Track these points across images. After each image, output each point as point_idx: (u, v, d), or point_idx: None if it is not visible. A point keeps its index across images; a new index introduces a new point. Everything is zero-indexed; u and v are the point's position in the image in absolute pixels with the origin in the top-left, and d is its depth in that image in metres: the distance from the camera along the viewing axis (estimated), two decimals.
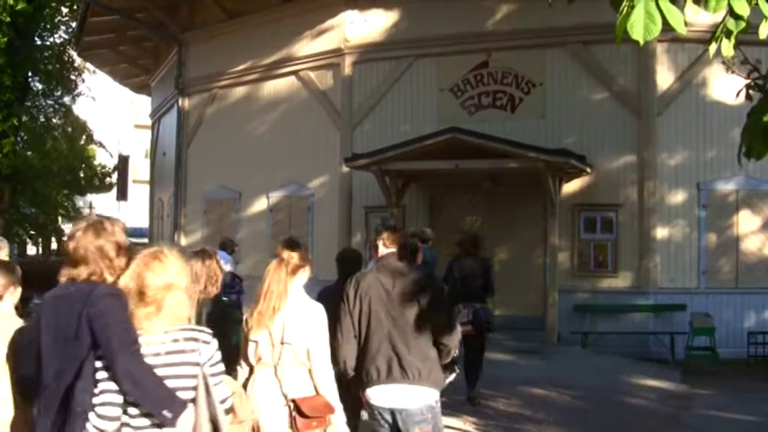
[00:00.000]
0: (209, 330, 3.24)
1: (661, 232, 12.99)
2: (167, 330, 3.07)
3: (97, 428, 2.95)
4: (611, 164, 13.25)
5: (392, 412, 4.35)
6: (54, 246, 33.54)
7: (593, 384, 10.01)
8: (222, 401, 3.12)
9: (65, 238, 3.24)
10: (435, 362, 4.44)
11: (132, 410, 3.01)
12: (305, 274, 4.30)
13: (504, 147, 12.19)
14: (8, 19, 18.91)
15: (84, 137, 28.41)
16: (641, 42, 2.94)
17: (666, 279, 12.97)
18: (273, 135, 16.18)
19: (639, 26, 2.87)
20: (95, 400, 2.98)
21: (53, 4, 22.22)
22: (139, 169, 38.52)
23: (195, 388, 3.05)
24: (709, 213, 13.04)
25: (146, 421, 3.01)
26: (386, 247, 4.66)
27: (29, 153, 22.22)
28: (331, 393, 4.19)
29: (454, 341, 4.51)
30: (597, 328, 12.70)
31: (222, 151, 17.20)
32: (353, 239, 14.60)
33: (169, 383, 3.00)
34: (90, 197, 40.15)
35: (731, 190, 13.03)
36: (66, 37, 23.69)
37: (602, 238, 13.25)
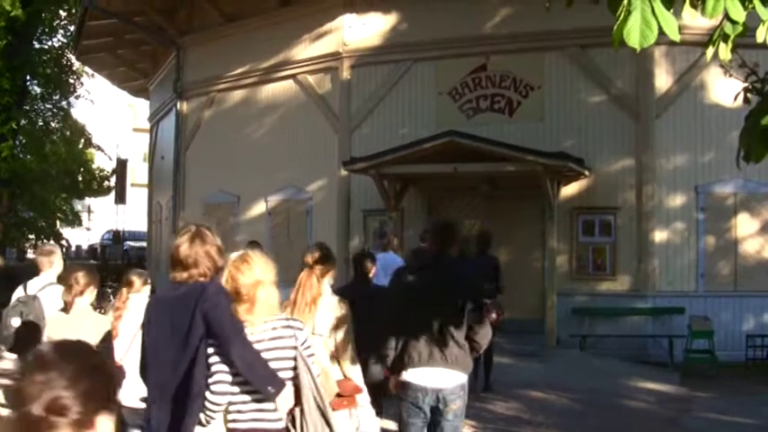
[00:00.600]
0: (300, 318, 4.06)
1: (659, 235, 13.00)
2: (266, 320, 3.69)
3: (212, 403, 3.55)
4: (610, 167, 13.27)
5: (433, 391, 4.83)
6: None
7: (592, 387, 10.00)
8: (317, 376, 3.76)
9: (172, 248, 3.82)
10: (467, 351, 4.90)
11: (235, 389, 3.60)
12: (331, 277, 5.07)
13: (502, 150, 12.20)
14: (3, 23, 18.89)
15: (82, 140, 28.39)
16: (638, 49, 2.94)
17: (665, 282, 12.98)
18: (272, 139, 16.18)
19: (636, 33, 2.86)
20: (210, 380, 3.56)
21: (51, 8, 22.20)
22: (138, 173, 38.52)
23: (294, 368, 3.65)
24: (707, 216, 13.05)
25: (246, 398, 3.62)
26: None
27: (27, 157, 22.19)
28: (357, 377, 4.95)
29: (484, 340, 4.97)
30: (596, 332, 12.70)
31: (220, 155, 17.19)
32: (352, 243, 14.60)
33: (271, 365, 3.60)
34: (88, 201, 40.16)
35: (729, 193, 13.04)
36: (65, 41, 23.69)
37: (601, 241, 13.26)
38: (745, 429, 8.53)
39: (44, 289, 6.06)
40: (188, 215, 18.29)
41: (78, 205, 33.53)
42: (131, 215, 37.85)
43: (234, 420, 3.65)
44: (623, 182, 13.18)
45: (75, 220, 29.19)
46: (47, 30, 22.93)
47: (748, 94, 5.18)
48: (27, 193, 21.90)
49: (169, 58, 19.72)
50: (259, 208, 16.50)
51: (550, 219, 12.69)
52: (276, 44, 16.18)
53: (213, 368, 3.59)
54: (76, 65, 24.29)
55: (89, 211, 43.17)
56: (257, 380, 3.57)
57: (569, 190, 13.26)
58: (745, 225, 13.02)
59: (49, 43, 23.65)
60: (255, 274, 3.73)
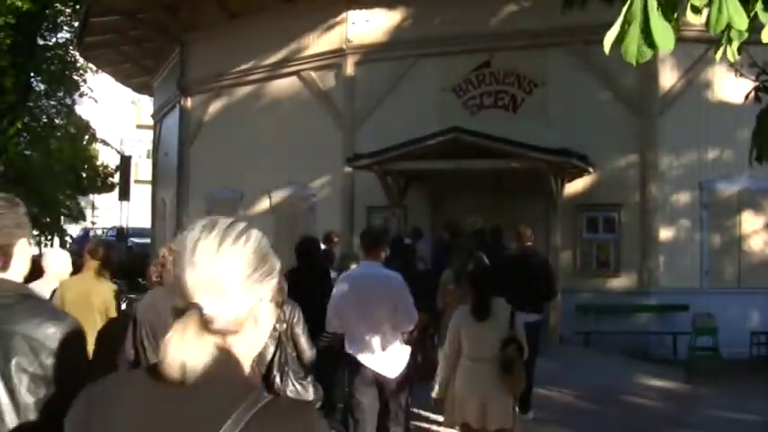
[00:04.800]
0: None
1: (663, 232, 12.98)
2: None
3: None
4: (614, 164, 13.24)
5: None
6: (57, 246, 33.58)
7: (596, 384, 9.99)
8: None
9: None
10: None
11: None
12: None
13: (506, 147, 12.18)
14: (13, 21, 18.95)
15: (86, 137, 28.44)
16: (634, 64, 2.92)
17: (669, 279, 12.96)
18: (275, 135, 16.17)
19: (633, 47, 2.84)
20: None
21: (56, 5, 22.22)
22: (142, 169, 38.51)
23: None
24: (711, 213, 13.03)
25: None
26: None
27: (32, 153, 22.24)
28: None
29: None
30: (599, 328, 12.68)
31: (224, 151, 17.20)
32: (355, 240, 14.58)
33: None
34: (92, 197, 40.20)
35: (734, 190, 13.02)
36: (69, 37, 23.71)
37: (605, 238, 13.25)
38: (749, 426, 8.52)
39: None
40: (191, 211, 18.31)
41: (82, 202, 33.59)
42: (135, 212, 37.88)
43: None
44: (627, 179, 13.16)
45: (79, 216, 29.26)
46: (51, 26, 22.95)
47: (759, 93, 5.16)
48: (31, 189, 21.95)
49: (173, 55, 19.72)
50: (263, 204, 16.51)
51: (554, 215, 12.68)
52: (280, 40, 16.17)
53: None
54: (80, 61, 24.32)
55: (93, 208, 43.22)
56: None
57: (573, 187, 13.24)
58: (749, 222, 12.99)
59: (54, 40, 23.69)
60: None
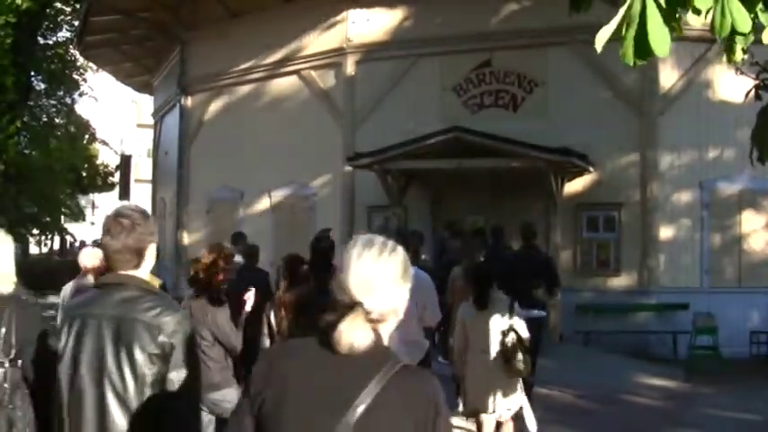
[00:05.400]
0: None
1: (664, 231, 12.98)
2: None
3: None
4: (614, 163, 13.24)
5: None
6: (57, 245, 33.59)
7: (596, 383, 10.00)
8: None
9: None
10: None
11: None
12: None
13: (506, 146, 12.19)
14: (14, 20, 18.96)
15: (86, 136, 28.44)
16: (632, 65, 2.92)
17: (669, 278, 12.96)
18: (276, 134, 16.17)
19: (630, 51, 2.84)
20: None
21: (57, 4, 22.23)
22: (142, 168, 38.49)
23: None
24: (711, 213, 13.02)
25: None
26: None
27: (32, 153, 22.24)
28: None
29: None
30: (600, 328, 12.68)
31: (224, 150, 17.20)
32: None
33: None
34: (92, 196, 40.21)
35: (734, 189, 13.01)
36: (69, 36, 23.72)
37: (605, 237, 13.25)
38: (749, 425, 8.52)
39: None
40: (192, 210, 18.33)
41: (83, 201, 33.61)
42: None
43: None
44: (627, 178, 13.16)
45: (79, 215, 29.26)
46: (51, 25, 22.96)
47: (760, 92, 5.16)
48: (32, 188, 21.97)
49: (173, 54, 19.72)
50: (263, 203, 16.51)
51: (554, 214, 12.69)
52: (280, 40, 16.17)
53: None
54: (81, 60, 24.33)
55: (93, 207, 43.23)
56: None
57: (573, 186, 13.24)
58: (749, 221, 12.99)
59: (54, 39, 23.69)
60: None
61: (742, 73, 6.03)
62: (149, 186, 24.92)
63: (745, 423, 8.63)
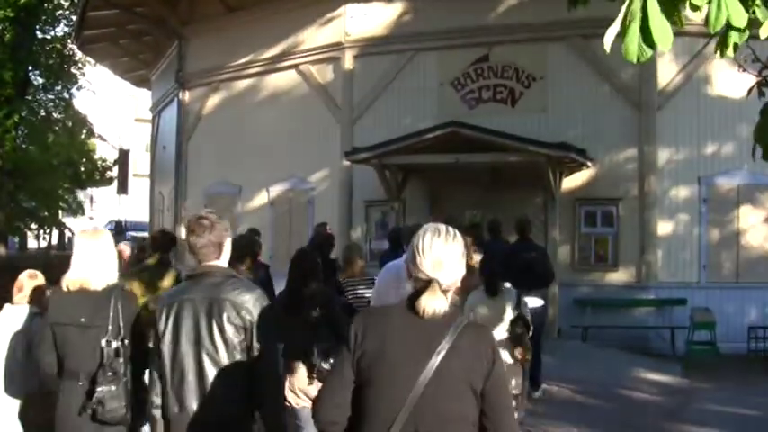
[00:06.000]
0: None
1: (662, 226, 12.98)
2: None
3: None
4: (612, 158, 13.23)
5: None
6: (55, 239, 33.56)
7: (594, 378, 10.02)
8: None
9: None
10: None
11: None
12: None
13: (504, 141, 12.17)
14: (12, 14, 18.92)
15: (84, 131, 28.39)
16: (635, 61, 2.92)
17: (667, 273, 12.96)
18: (274, 129, 16.15)
19: (633, 46, 2.83)
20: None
21: None
22: (140, 163, 38.52)
23: None
24: (710, 208, 13.02)
25: None
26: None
27: (30, 147, 22.19)
28: None
29: None
30: (598, 323, 12.69)
31: (222, 145, 17.18)
32: (354, 233, 14.60)
33: None
34: (91, 191, 40.17)
35: (733, 184, 13.01)
36: (67, 31, 23.66)
37: (603, 232, 13.25)
38: (747, 421, 8.54)
39: None
40: (190, 205, 18.31)
41: (81, 195, 33.56)
42: (133, 205, 37.87)
43: None
44: (626, 173, 13.15)
45: (77, 210, 29.23)
46: (49, 20, 22.89)
47: (762, 88, 5.15)
48: (29, 183, 21.93)
49: (171, 49, 19.68)
50: (261, 198, 16.49)
51: (552, 209, 12.69)
52: (278, 34, 16.14)
53: None
54: (78, 55, 24.27)
55: (91, 202, 43.22)
56: None
57: (571, 181, 13.23)
58: (747, 217, 12.99)
59: (51, 33, 23.63)
60: None
61: (744, 70, 6.00)
62: (147, 181, 24.91)
63: (742, 418, 8.64)
